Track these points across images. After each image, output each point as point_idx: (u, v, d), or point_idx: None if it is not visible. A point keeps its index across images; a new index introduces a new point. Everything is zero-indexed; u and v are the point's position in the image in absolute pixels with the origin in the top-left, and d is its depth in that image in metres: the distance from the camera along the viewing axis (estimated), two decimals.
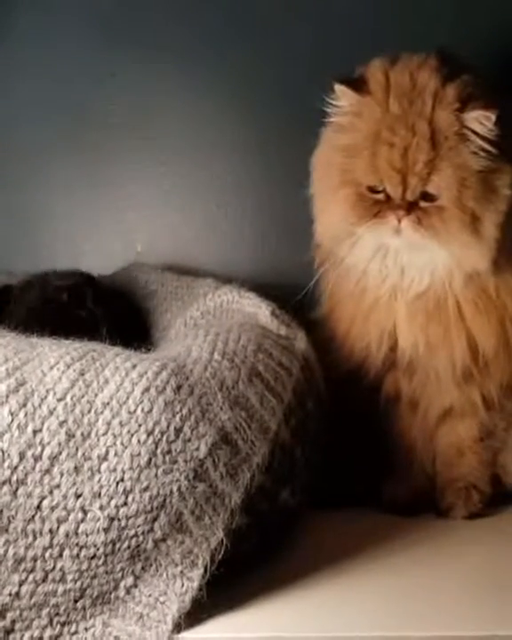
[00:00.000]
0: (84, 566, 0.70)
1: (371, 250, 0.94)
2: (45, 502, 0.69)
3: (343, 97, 0.91)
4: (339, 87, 0.91)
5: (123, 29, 1.23)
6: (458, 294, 0.93)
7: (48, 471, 0.69)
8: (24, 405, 0.70)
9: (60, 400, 0.71)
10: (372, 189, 0.91)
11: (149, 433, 0.72)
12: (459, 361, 0.94)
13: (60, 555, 0.69)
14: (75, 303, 1.03)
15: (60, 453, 0.70)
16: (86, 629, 0.71)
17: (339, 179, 0.92)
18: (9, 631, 0.70)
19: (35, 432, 0.70)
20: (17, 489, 0.68)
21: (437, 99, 0.88)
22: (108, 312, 1.03)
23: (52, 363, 0.74)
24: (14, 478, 0.68)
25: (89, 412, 0.72)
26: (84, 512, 0.70)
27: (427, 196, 0.89)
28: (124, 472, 0.70)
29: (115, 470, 0.70)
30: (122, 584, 0.72)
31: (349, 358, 0.99)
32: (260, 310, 0.97)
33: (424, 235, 0.90)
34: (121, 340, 0.84)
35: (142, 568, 0.72)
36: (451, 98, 0.88)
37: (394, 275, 0.94)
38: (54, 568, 0.69)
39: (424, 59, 0.91)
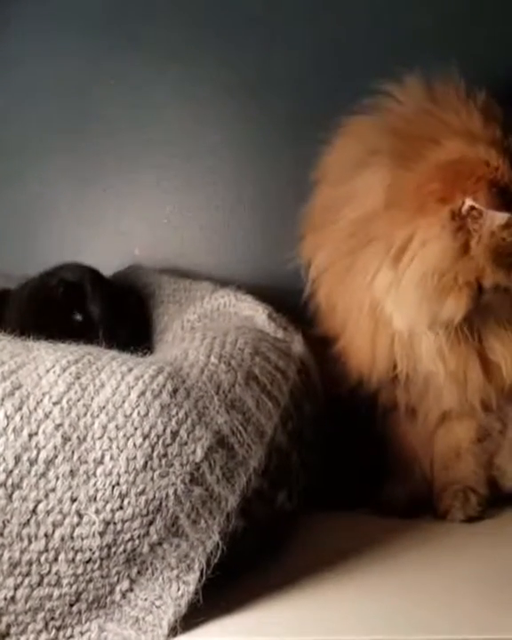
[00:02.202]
0: (80, 570, 0.70)
1: None
2: (41, 506, 0.69)
3: (494, 218, 0.87)
4: (502, 215, 0.87)
5: (123, 31, 1.24)
6: (478, 323, 0.94)
7: (44, 475, 0.69)
8: (20, 409, 0.70)
9: (55, 403, 0.71)
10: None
11: (145, 436, 0.72)
12: (472, 385, 0.95)
13: (56, 559, 0.69)
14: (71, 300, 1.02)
15: (56, 457, 0.70)
16: (82, 634, 0.71)
17: (453, 283, 0.88)
18: (4, 635, 0.69)
19: (30, 436, 0.70)
20: (12, 493, 0.68)
21: None
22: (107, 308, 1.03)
23: (48, 366, 0.74)
24: (9, 482, 0.68)
25: (85, 415, 0.72)
26: (80, 516, 0.69)
27: None
28: (119, 476, 0.70)
29: (110, 474, 0.70)
30: (117, 588, 0.72)
31: (357, 376, 0.98)
32: (256, 313, 0.97)
33: None
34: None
35: (138, 572, 0.72)
36: None
37: None
38: (50, 572, 0.69)
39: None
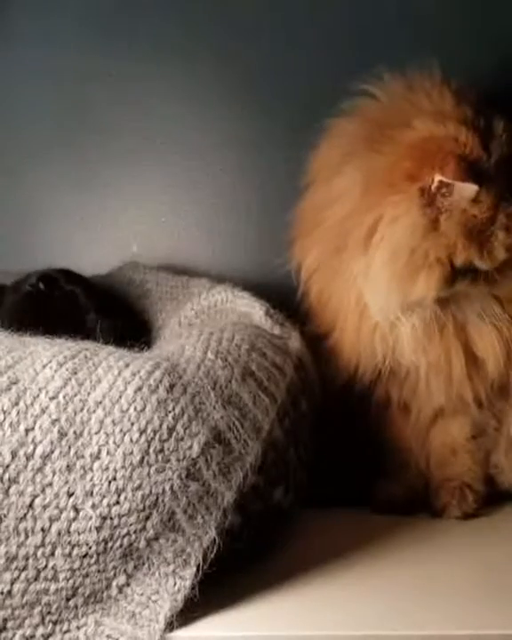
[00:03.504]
0: (76, 565, 0.70)
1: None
2: (37, 501, 0.69)
3: (463, 190, 0.87)
4: (469, 186, 0.86)
5: (120, 28, 1.23)
6: (459, 315, 0.94)
7: (40, 470, 0.69)
8: (16, 404, 0.71)
9: (52, 398, 0.71)
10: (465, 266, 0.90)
11: (142, 432, 0.72)
12: (456, 378, 0.95)
13: (52, 553, 0.69)
14: (50, 288, 1.02)
15: (53, 452, 0.70)
16: (78, 628, 0.71)
17: (423, 260, 0.88)
18: (1, 630, 0.70)
19: (27, 431, 0.70)
20: (9, 487, 0.68)
21: None
22: (88, 293, 1.03)
23: (44, 361, 0.74)
24: (6, 477, 0.68)
25: (81, 410, 0.72)
26: (77, 511, 0.70)
27: None
28: (116, 471, 0.70)
29: (107, 469, 0.70)
30: (114, 583, 0.72)
31: (347, 371, 0.98)
32: (253, 310, 0.97)
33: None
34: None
35: (135, 567, 0.72)
36: None
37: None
38: (46, 566, 0.69)
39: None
